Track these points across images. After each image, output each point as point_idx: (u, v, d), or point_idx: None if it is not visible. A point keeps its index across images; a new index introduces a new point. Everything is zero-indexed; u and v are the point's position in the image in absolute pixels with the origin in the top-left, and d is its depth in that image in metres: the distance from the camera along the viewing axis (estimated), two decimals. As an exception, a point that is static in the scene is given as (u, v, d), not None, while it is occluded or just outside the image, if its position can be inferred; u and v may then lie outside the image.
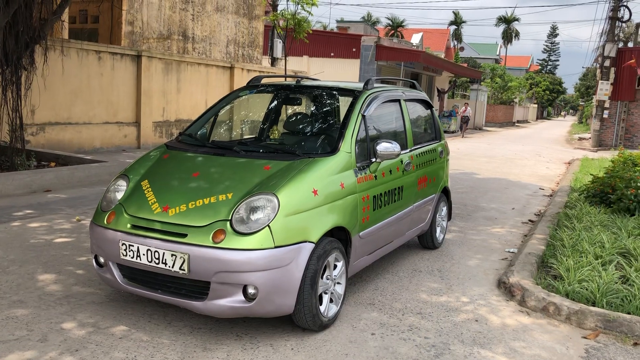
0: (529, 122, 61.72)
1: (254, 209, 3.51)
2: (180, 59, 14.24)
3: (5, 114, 8.59)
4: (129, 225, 3.67)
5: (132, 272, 3.70)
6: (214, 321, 3.86)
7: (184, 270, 3.42)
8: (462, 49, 70.23)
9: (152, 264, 3.51)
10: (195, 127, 4.84)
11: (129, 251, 3.59)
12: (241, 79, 16.20)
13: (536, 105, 70.63)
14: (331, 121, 4.98)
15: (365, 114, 4.47)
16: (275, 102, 5.46)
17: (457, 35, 71.14)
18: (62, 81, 11.23)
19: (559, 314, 4.26)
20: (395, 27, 60.27)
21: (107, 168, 9.08)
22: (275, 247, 3.42)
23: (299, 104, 5.46)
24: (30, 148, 9.73)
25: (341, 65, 25.90)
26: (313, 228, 3.65)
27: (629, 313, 4.21)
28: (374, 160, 4.37)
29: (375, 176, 4.42)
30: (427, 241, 5.97)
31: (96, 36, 15.38)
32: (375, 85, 5.04)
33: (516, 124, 51.20)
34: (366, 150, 4.37)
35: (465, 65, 48.83)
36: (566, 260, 5.16)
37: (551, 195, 10.21)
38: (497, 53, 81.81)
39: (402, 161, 4.91)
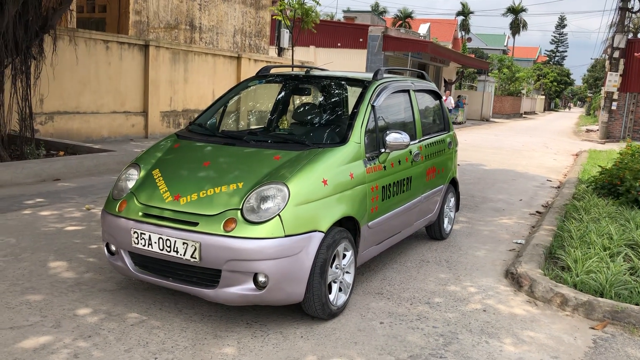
0: (536, 113, 61.41)
1: (264, 198, 3.54)
2: (187, 49, 14.25)
3: (15, 103, 8.65)
4: (140, 214, 3.70)
5: (144, 260, 3.74)
6: (224, 309, 3.90)
7: (195, 258, 3.45)
8: (469, 39, 69.86)
9: (164, 252, 3.55)
10: (205, 117, 4.86)
11: (141, 239, 3.63)
12: (248, 69, 16.19)
13: (544, 97, 70.21)
14: (340, 111, 4.99)
15: (374, 104, 4.48)
16: (285, 92, 5.47)
17: (465, 26, 70.70)
18: (70, 70, 11.26)
19: (567, 304, 4.28)
20: (404, 17, 60.00)
21: (115, 157, 9.13)
22: (286, 236, 3.45)
23: (308, 94, 5.46)
24: (39, 137, 9.79)
25: (348, 55, 25.83)
26: (323, 218, 3.67)
27: (637, 304, 4.22)
28: (383, 150, 4.38)
29: (384, 167, 4.43)
30: (434, 232, 5.99)
31: (103, 26, 15.41)
32: (385, 75, 5.04)
33: (523, 116, 50.95)
34: (375, 141, 4.38)
35: (473, 56, 48.60)
36: (574, 251, 5.17)
37: (559, 187, 10.20)
38: (505, 44, 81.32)
39: (411, 152, 4.92)
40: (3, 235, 5.25)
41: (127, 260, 3.80)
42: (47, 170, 7.97)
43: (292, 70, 7.63)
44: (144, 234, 3.61)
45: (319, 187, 3.71)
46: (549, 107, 77.32)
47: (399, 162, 4.69)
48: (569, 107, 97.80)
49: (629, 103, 25.18)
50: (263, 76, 5.22)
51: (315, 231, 3.59)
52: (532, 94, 59.72)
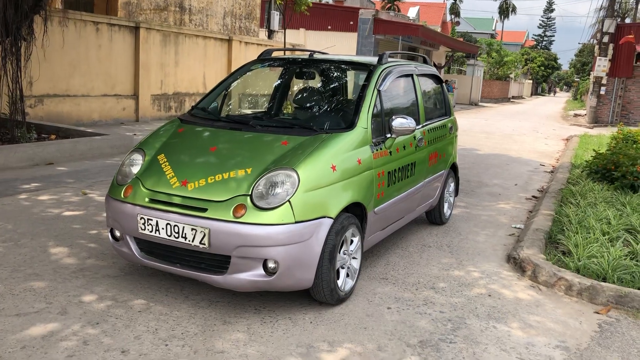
0: (523, 98, 61.66)
1: (273, 184, 3.50)
2: (178, 31, 14.04)
3: (5, 86, 8.46)
4: (147, 199, 3.65)
5: (150, 246, 3.70)
6: (230, 295, 3.88)
7: (204, 244, 3.41)
8: (457, 23, 69.64)
9: (172, 238, 3.51)
10: (208, 101, 4.78)
11: (148, 225, 3.58)
12: (239, 52, 16.02)
13: (531, 81, 70.48)
14: (346, 96, 4.95)
15: (380, 88, 4.44)
16: (289, 76, 5.40)
17: (454, 9, 70.44)
18: (60, 52, 11.05)
19: (571, 289, 4.31)
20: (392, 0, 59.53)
21: (108, 141, 9.01)
22: (296, 222, 3.42)
23: (313, 78, 5.40)
24: (30, 120, 9.61)
25: (338, 38, 25.65)
26: (332, 204, 3.64)
27: (639, 289, 4.26)
28: (389, 135, 4.35)
29: (390, 152, 4.41)
30: (435, 217, 6.00)
31: (92, 7, 15.09)
32: (389, 59, 4.99)
33: (511, 100, 51.15)
34: (381, 126, 4.35)
35: (462, 40, 48.49)
36: (574, 236, 5.21)
37: (552, 172, 10.26)
38: (493, 28, 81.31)
39: (415, 137, 4.90)
40: (0, 221, 5.17)
41: (133, 246, 3.75)
42: (40, 154, 7.84)
43: (293, 53, 7.53)
44: (151, 219, 3.56)
45: (328, 173, 3.68)
46: (536, 92, 77.64)
47: (404, 147, 4.67)
48: (554, 92, 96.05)
49: (617, 88, 25.33)
50: (265, 59, 5.14)
51: (324, 217, 3.56)
52: (520, 78, 59.88)
